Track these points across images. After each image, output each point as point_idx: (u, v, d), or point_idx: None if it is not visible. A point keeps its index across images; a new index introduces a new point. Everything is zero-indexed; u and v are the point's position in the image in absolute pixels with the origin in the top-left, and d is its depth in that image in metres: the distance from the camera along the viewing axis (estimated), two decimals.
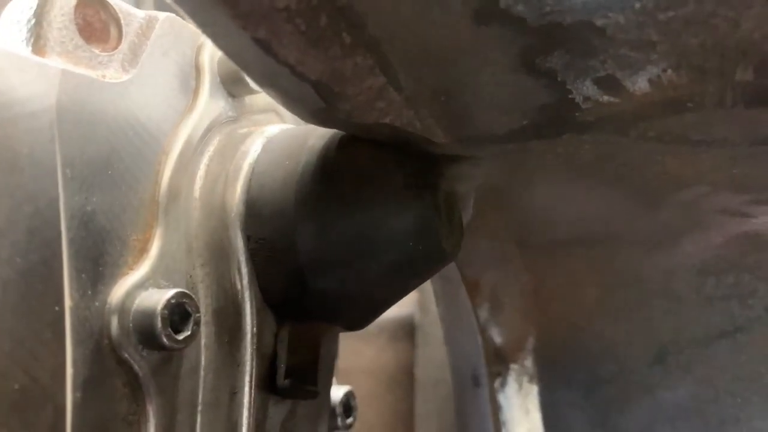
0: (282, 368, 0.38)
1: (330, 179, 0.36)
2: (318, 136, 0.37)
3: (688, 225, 0.42)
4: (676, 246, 0.44)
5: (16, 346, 0.29)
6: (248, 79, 0.38)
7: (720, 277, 0.45)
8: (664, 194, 0.38)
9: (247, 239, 0.37)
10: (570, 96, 0.30)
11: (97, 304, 0.31)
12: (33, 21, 0.32)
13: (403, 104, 0.31)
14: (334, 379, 0.47)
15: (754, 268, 0.45)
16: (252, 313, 0.37)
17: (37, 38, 0.32)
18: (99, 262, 0.32)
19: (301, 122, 0.36)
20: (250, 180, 0.38)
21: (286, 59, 0.28)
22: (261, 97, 0.42)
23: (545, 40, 0.27)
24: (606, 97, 0.30)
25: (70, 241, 0.30)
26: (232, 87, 0.40)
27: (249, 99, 0.41)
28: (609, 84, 0.29)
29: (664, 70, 0.28)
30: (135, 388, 0.33)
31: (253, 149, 0.39)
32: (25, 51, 0.32)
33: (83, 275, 0.31)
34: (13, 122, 0.30)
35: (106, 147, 0.33)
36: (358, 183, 0.36)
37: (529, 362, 0.52)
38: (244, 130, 0.40)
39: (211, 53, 0.39)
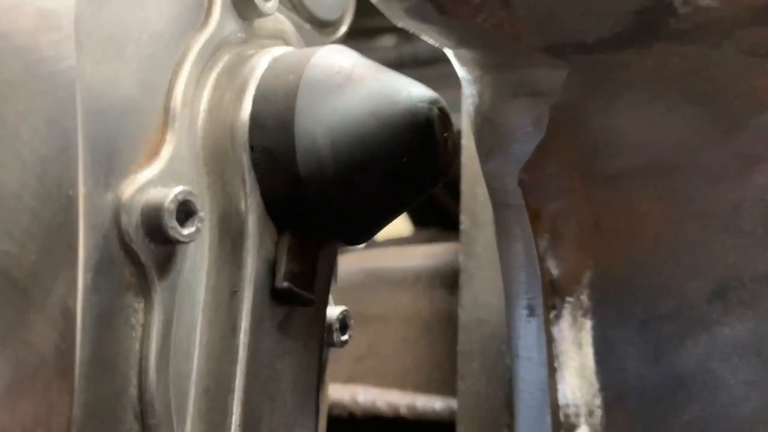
0: (281, 272, 0.40)
1: (329, 92, 0.38)
2: (321, 55, 0.40)
3: (762, 153, 0.41)
4: (746, 177, 0.43)
5: (33, 222, 0.31)
6: (257, 2, 0.42)
7: None
8: (745, 117, 0.38)
9: (251, 149, 0.39)
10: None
11: (108, 196, 0.34)
12: None
13: (498, 3, 0.31)
14: (331, 299, 0.50)
15: None
16: (254, 219, 0.39)
17: None
18: (112, 157, 0.34)
19: None
20: (255, 94, 0.40)
21: None
22: (270, 23, 0.45)
23: None
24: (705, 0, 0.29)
25: (86, 134, 0.33)
26: (242, 8, 0.42)
27: (258, 23, 0.44)
28: None
29: None
30: (141, 278, 0.35)
31: (259, 66, 0.41)
32: None
33: (97, 167, 0.33)
34: (31, 16, 0.33)
35: (121, 51, 0.35)
36: (357, 97, 0.38)
37: (584, 296, 0.52)
38: (252, 51, 0.43)
39: None
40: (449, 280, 0.89)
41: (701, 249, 0.48)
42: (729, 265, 0.47)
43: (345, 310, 0.50)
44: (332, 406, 0.86)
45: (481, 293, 0.68)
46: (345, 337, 0.50)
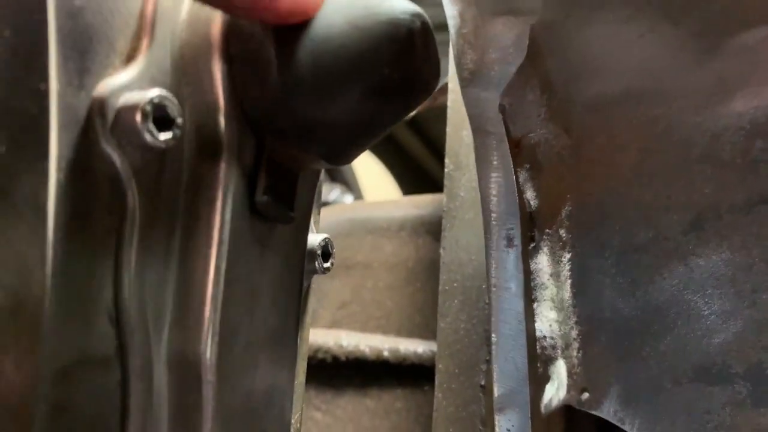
0: (261, 184, 0.40)
1: None
2: None
3: (744, 77, 0.41)
4: (727, 104, 0.43)
5: (2, 111, 0.31)
6: None
7: None
8: (726, 35, 0.38)
9: (229, 59, 0.38)
10: None
11: (82, 95, 0.33)
12: None
13: None
14: (313, 227, 0.50)
15: None
16: (231, 131, 0.39)
17: None
18: (86, 57, 0.34)
19: None
20: None
21: None
22: None
23: None
24: None
25: (58, 29, 0.32)
26: None
27: None
28: None
29: None
30: (116, 183, 0.34)
31: None
32: None
33: (70, 64, 0.33)
34: None
35: None
36: (338, 7, 0.38)
37: (563, 229, 0.52)
38: None
39: None
40: (434, 227, 0.89)
41: (680, 179, 0.48)
42: (707, 195, 0.48)
43: (327, 238, 0.50)
44: (316, 351, 0.87)
45: (463, 234, 0.69)
46: (327, 264, 0.51)
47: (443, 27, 0.47)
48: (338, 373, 0.86)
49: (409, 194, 1.73)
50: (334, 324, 0.92)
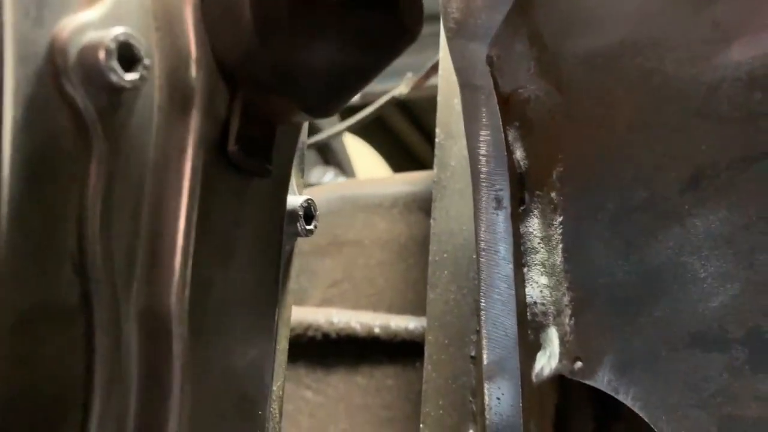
0: (233, 134, 0.38)
1: None
2: None
3: (741, 24, 0.39)
4: (724, 54, 0.42)
5: None
6: None
7: (767, 92, 0.42)
8: None
9: (201, 2, 0.37)
10: None
11: (42, 30, 0.31)
12: None
13: None
14: (295, 190, 0.48)
15: None
16: (203, 76, 0.37)
17: None
18: None
19: None
20: None
21: None
22: None
23: None
24: None
25: None
26: None
27: None
28: None
29: None
30: (80, 125, 0.33)
31: None
32: None
33: None
34: None
35: None
36: None
37: (554, 191, 0.51)
38: None
39: None
40: (426, 204, 0.87)
41: (676, 136, 0.46)
42: (704, 151, 0.46)
43: (310, 199, 0.49)
44: (306, 328, 0.85)
45: (454, 205, 0.67)
46: (310, 227, 0.49)
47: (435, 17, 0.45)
48: (329, 351, 0.85)
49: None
50: (325, 302, 0.90)
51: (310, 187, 1.09)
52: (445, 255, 0.65)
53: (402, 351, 0.80)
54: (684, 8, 0.40)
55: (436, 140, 0.71)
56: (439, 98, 0.72)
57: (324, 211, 0.96)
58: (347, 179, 1.60)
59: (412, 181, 0.93)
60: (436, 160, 0.70)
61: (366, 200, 0.94)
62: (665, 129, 0.46)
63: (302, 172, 0.53)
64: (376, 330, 0.81)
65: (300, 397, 0.87)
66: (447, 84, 0.71)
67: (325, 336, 0.84)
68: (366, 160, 1.86)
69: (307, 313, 0.86)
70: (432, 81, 0.90)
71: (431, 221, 0.68)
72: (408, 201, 0.90)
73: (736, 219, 0.46)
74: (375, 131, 1.88)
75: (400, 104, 1.41)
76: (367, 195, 0.94)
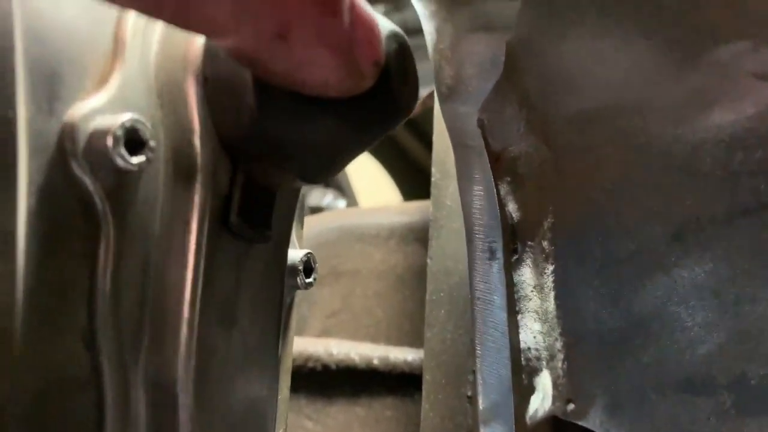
0: (235, 206, 0.40)
1: None
2: None
3: (721, 91, 0.41)
4: (705, 117, 0.43)
5: None
6: None
7: (748, 152, 0.44)
8: (700, 51, 0.37)
9: (204, 81, 0.38)
10: None
11: (53, 121, 0.33)
12: None
13: None
14: (296, 243, 0.50)
15: None
16: (207, 153, 0.39)
17: None
18: (56, 81, 0.33)
19: None
20: None
21: None
22: None
23: None
24: None
25: (25, 53, 0.32)
26: None
27: None
28: None
29: None
30: (89, 207, 0.34)
31: None
32: None
33: (39, 90, 0.33)
34: None
35: None
36: None
37: (545, 241, 0.52)
38: None
39: None
40: (423, 235, 0.89)
41: (660, 191, 0.48)
42: (688, 207, 0.47)
43: (309, 253, 0.50)
44: (306, 359, 0.87)
45: (450, 243, 0.68)
46: (310, 280, 0.50)
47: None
48: (328, 381, 0.86)
49: (409, 197, 1.72)
50: (324, 332, 0.92)
51: (308, 216, 1.10)
52: (441, 294, 0.67)
53: (401, 383, 0.82)
54: (664, 75, 0.41)
55: (432, 179, 0.73)
56: (434, 137, 0.74)
57: (322, 240, 0.98)
58: (346, 203, 1.62)
59: (408, 211, 0.95)
60: (432, 199, 0.72)
61: (363, 230, 0.95)
62: (650, 185, 0.48)
63: (302, 224, 0.55)
64: (375, 362, 0.82)
65: (300, 427, 0.88)
66: (442, 123, 0.73)
67: (325, 367, 0.86)
68: (368, 177, 1.87)
69: (307, 344, 0.88)
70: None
71: (428, 260, 0.69)
72: (404, 232, 0.92)
73: (720, 271, 0.47)
74: (380, 147, 1.89)
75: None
76: (364, 225, 0.96)
